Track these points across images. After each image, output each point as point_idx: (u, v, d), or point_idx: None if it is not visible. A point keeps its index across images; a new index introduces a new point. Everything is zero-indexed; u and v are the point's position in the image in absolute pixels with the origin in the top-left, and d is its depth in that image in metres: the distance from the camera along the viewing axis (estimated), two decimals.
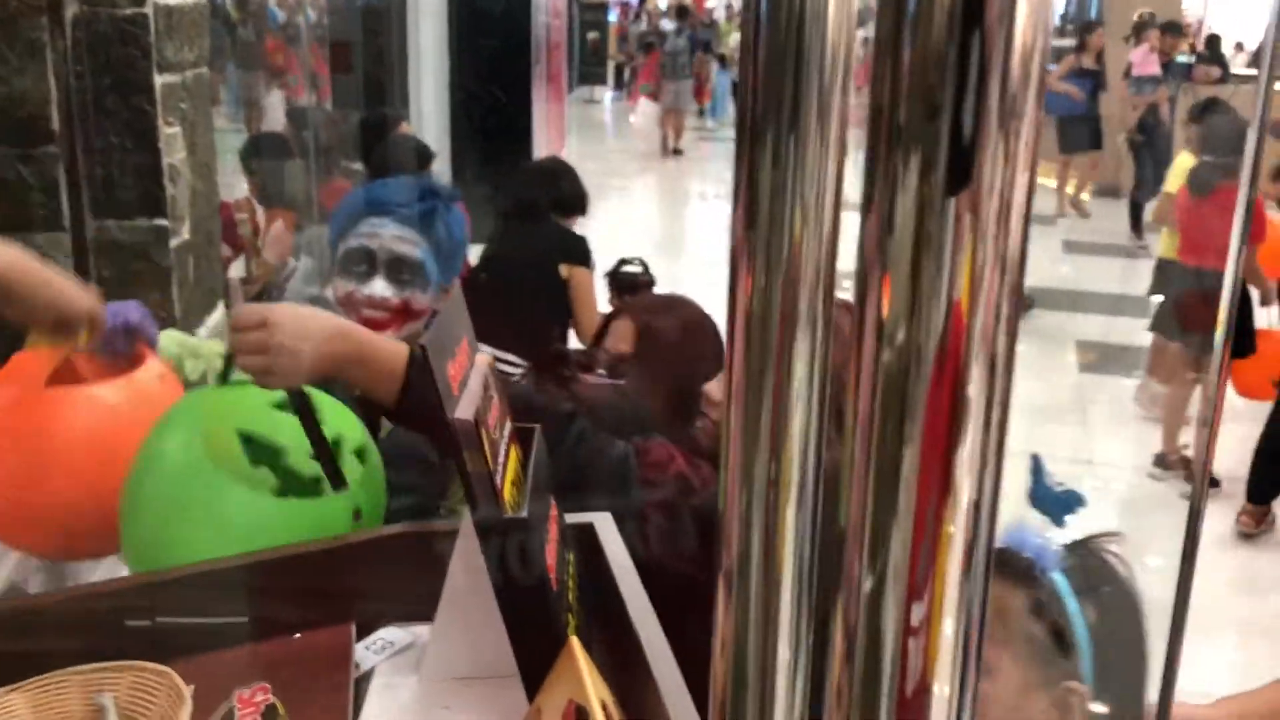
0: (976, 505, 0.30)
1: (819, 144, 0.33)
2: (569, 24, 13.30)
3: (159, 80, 2.26)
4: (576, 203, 3.66)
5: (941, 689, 0.32)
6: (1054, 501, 1.12)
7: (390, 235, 1.65)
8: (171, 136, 2.32)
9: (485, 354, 1.07)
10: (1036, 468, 1.15)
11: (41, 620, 1.07)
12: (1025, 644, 1.10)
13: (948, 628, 0.31)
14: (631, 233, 8.20)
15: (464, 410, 0.90)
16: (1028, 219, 0.29)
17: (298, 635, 1.13)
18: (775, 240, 0.34)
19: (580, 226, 3.68)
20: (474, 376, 0.99)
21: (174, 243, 2.36)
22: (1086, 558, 1.18)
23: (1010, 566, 1.13)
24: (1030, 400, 5.05)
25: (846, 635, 0.32)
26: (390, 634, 1.13)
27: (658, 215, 10.06)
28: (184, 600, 1.10)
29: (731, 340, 0.35)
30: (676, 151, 12.41)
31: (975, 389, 0.29)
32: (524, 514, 0.93)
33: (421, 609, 1.10)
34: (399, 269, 1.65)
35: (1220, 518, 4.15)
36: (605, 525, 1.17)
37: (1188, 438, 4.61)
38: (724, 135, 14.54)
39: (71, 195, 2.24)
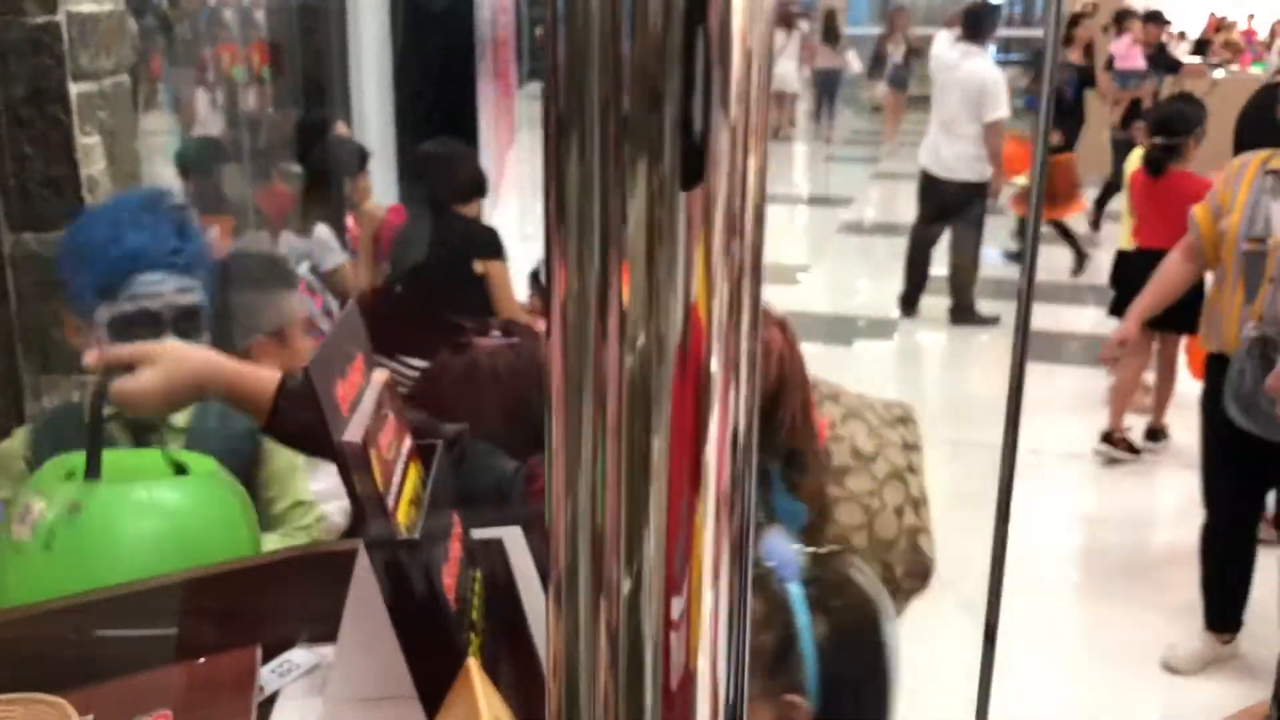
0: (730, 498, 0.31)
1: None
2: (516, 18, 13.25)
3: (74, 89, 2.22)
4: (475, 188, 3.55)
5: (704, 683, 0.32)
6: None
7: (173, 290, 1.54)
8: (90, 146, 2.28)
9: (384, 370, 1.06)
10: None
11: None
12: (755, 653, 1.08)
13: (706, 621, 0.31)
14: None
15: (352, 433, 0.89)
16: (763, 209, 0.29)
17: (202, 660, 1.12)
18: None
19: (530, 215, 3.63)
20: (368, 395, 0.98)
21: None
22: (827, 570, 1.17)
23: (760, 582, 1.10)
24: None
25: (610, 637, 0.31)
26: (297, 656, 1.12)
27: None
28: (81, 627, 1.08)
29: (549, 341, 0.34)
30: None
31: (718, 382, 0.29)
32: (417, 535, 0.92)
33: (330, 630, 1.09)
34: (187, 322, 1.56)
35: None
36: (514, 540, 1.16)
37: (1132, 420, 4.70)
38: None
39: None
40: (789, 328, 1.67)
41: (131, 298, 1.53)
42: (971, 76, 6.04)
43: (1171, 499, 4.39)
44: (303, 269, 3.36)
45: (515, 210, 8.33)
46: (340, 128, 4.18)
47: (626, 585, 0.31)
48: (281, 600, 1.14)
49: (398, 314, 2.26)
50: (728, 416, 0.30)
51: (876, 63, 13.17)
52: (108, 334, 1.53)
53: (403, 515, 0.94)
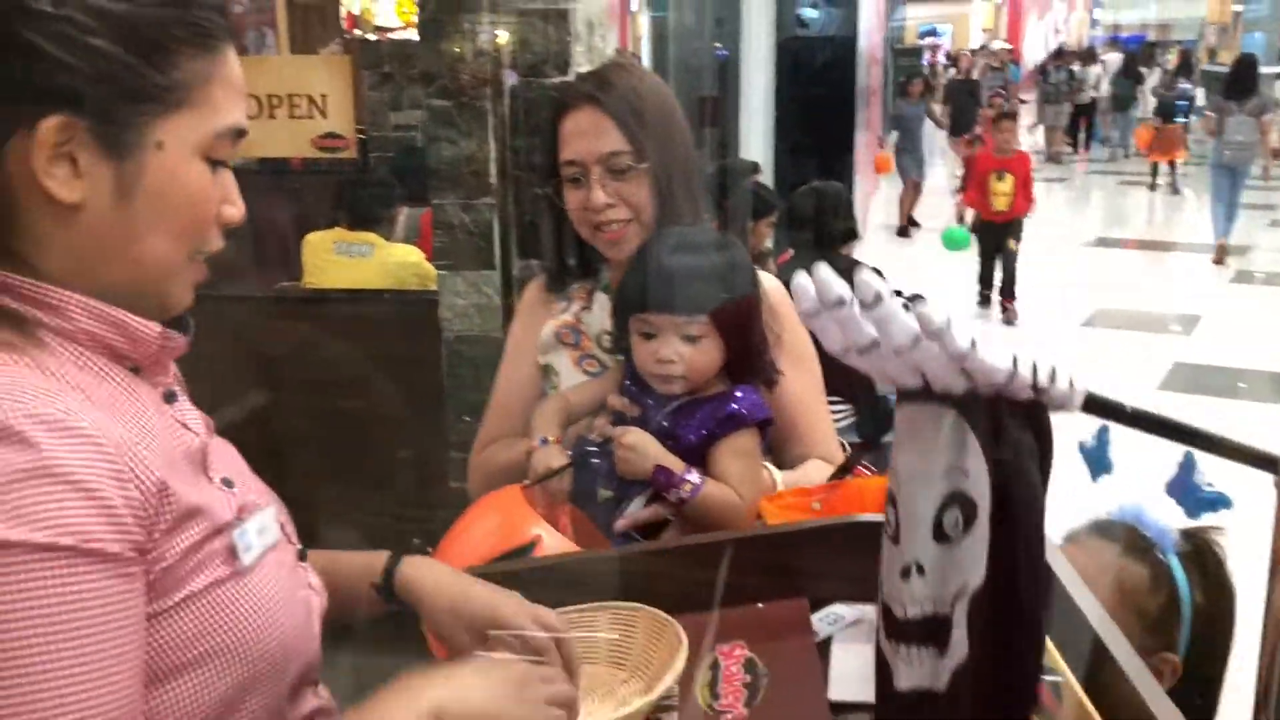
0: None
1: None
2: (884, 70, 13.41)
3: None
4: (852, 231, 3.76)
5: None
6: (1198, 500, 1.20)
7: None
8: None
9: None
10: (1189, 464, 1.24)
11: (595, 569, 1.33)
12: (1137, 614, 1.28)
13: None
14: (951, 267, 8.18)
15: None
16: None
17: (760, 605, 1.33)
18: None
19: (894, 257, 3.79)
20: None
21: None
22: (1199, 545, 1.35)
23: (1133, 543, 1.33)
24: None
25: None
26: (840, 609, 1.31)
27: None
28: (671, 568, 1.33)
29: None
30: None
31: None
32: None
33: (866, 590, 1.27)
34: None
35: None
36: None
37: None
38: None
39: (503, 238, 2.61)
40: None
41: None
42: None
43: None
44: None
45: (875, 253, 8.45)
46: (758, 175, 4.48)
47: None
48: (824, 560, 1.33)
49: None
50: None
51: None
52: None
53: None
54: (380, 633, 1.20)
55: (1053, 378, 0.73)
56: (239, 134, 0.90)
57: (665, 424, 1.51)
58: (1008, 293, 7.73)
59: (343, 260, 3.82)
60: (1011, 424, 0.73)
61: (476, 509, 1.55)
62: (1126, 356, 6.55)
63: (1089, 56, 17.48)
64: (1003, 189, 7.50)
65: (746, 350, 1.53)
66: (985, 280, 7.96)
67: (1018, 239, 7.62)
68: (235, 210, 0.92)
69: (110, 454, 0.78)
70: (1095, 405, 0.75)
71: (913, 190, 10.91)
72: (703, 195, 1.69)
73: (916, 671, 0.81)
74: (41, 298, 0.83)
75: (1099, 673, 0.99)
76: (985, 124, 11.05)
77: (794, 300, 0.72)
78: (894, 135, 11.56)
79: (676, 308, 1.47)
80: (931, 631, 0.80)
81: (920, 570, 0.78)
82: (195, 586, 0.85)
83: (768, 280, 1.68)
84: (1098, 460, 1.63)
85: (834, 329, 0.71)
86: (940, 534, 0.77)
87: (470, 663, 1.06)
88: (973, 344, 0.69)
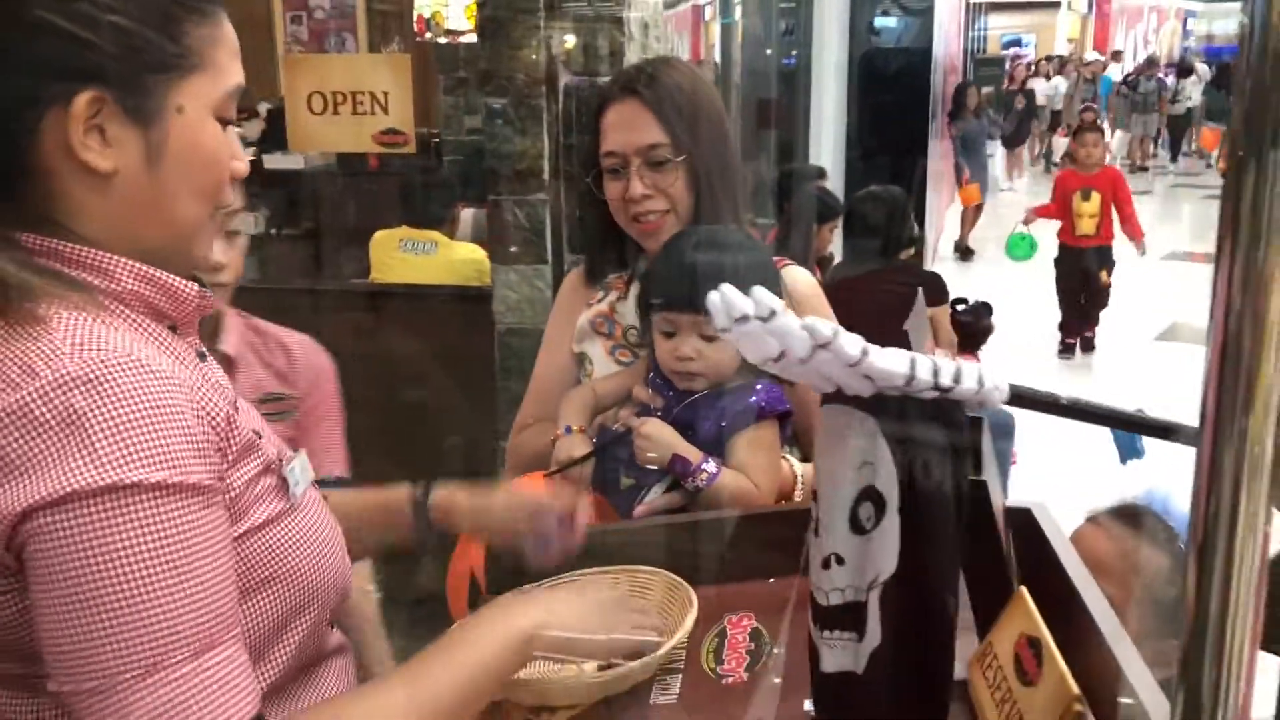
0: None
1: None
2: (963, 78, 13.29)
3: None
4: (909, 240, 3.80)
5: None
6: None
7: None
8: None
9: None
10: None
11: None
12: (1152, 600, 1.31)
13: None
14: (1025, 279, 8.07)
15: None
16: None
17: (771, 580, 1.37)
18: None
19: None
20: None
21: None
22: None
23: (1156, 530, 1.36)
24: None
25: None
26: None
27: None
28: (685, 542, 1.37)
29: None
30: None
31: None
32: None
33: None
34: None
35: None
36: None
37: None
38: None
39: (555, 234, 2.67)
40: None
41: None
42: None
43: None
44: None
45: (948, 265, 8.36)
46: (822, 181, 4.49)
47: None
48: None
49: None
50: None
51: None
52: None
53: None
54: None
55: (957, 378, 0.76)
56: (242, 93, 0.97)
57: (686, 415, 1.55)
58: (1089, 323, 6.99)
59: (408, 257, 3.92)
60: (918, 423, 0.78)
61: None
62: (1200, 371, 6.39)
63: (1184, 67, 17.15)
64: (1088, 209, 6.64)
65: None
66: (1068, 327, 7.06)
67: (1110, 270, 6.79)
68: (242, 164, 0.99)
69: (190, 394, 0.85)
70: (1023, 399, 0.80)
71: (974, 212, 10.26)
72: (744, 194, 1.72)
73: (839, 655, 0.86)
74: (92, 262, 0.89)
75: (1080, 640, 1.01)
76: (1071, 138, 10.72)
77: (712, 317, 0.77)
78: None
79: (694, 306, 1.50)
80: (851, 618, 0.84)
81: (840, 560, 0.83)
82: (256, 519, 0.93)
83: (800, 276, 1.71)
84: (1128, 445, 1.67)
85: (747, 342, 0.75)
86: (856, 526, 0.81)
87: (565, 586, 1.26)
88: (864, 351, 0.73)
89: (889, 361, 0.74)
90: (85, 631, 0.77)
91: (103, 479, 0.78)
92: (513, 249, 2.70)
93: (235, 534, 0.90)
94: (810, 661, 0.93)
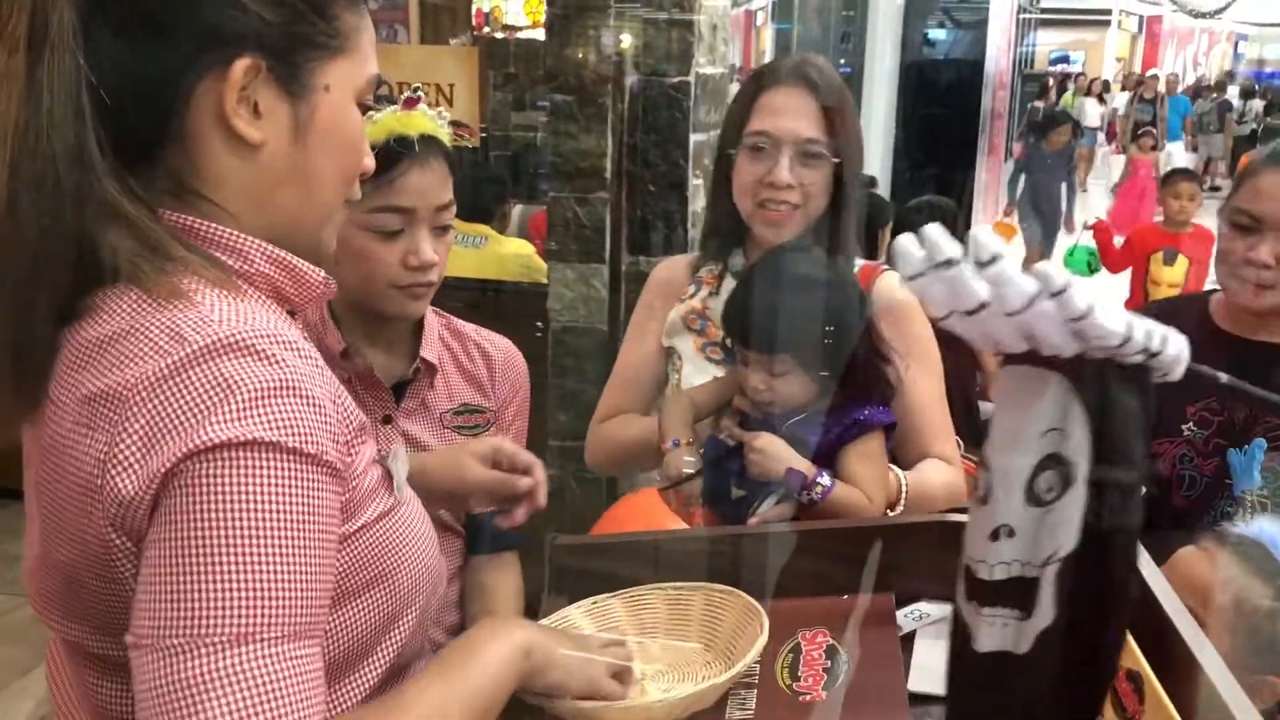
0: None
1: None
2: (1011, 95, 13.18)
3: (692, 139, 2.64)
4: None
5: None
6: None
7: None
8: (697, 187, 2.69)
9: None
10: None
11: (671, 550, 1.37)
12: (1249, 632, 1.23)
13: None
14: None
15: None
16: None
17: (845, 596, 1.34)
18: None
19: None
20: None
21: None
22: None
23: (1262, 563, 1.28)
24: None
25: None
26: (926, 607, 1.31)
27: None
28: (757, 554, 1.35)
29: None
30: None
31: None
32: None
33: (947, 589, 1.27)
34: None
35: None
36: None
37: None
38: None
39: (614, 233, 2.65)
40: None
41: None
42: None
43: None
44: None
45: None
46: (873, 189, 4.46)
47: None
48: (912, 557, 1.33)
49: None
50: None
51: None
52: None
53: None
54: None
55: (1165, 343, 0.72)
56: (379, 83, 0.96)
57: (794, 428, 1.53)
58: None
59: (458, 249, 3.90)
60: (1118, 388, 0.73)
61: (624, 508, 1.63)
62: None
63: (1250, 90, 16.93)
64: (1169, 278, 4.74)
65: (853, 376, 1.53)
66: None
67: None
68: (371, 160, 0.98)
69: (326, 376, 0.85)
70: (1192, 375, 0.75)
71: (1037, 258, 8.27)
72: (862, 212, 1.71)
73: (999, 634, 0.81)
74: (228, 242, 0.89)
75: (1180, 674, 0.98)
76: (1133, 173, 9.66)
77: (898, 263, 0.72)
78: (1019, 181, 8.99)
79: (759, 346, 1.49)
80: (1017, 594, 0.80)
81: (1010, 533, 0.79)
82: (369, 515, 0.90)
83: (898, 291, 1.67)
84: (1245, 471, 1.61)
85: (940, 291, 0.71)
86: (1033, 497, 0.77)
87: (551, 624, 1.22)
88: (1090, 307, 0.68)
89: (1110, 319, 0.69)
90: (193, 579, 0.74)
91: (247, 434, 0.76)
92: (569, 248, 2.68)
93: (349, 531, 0.88)
94: (953, 641, 0.89)
